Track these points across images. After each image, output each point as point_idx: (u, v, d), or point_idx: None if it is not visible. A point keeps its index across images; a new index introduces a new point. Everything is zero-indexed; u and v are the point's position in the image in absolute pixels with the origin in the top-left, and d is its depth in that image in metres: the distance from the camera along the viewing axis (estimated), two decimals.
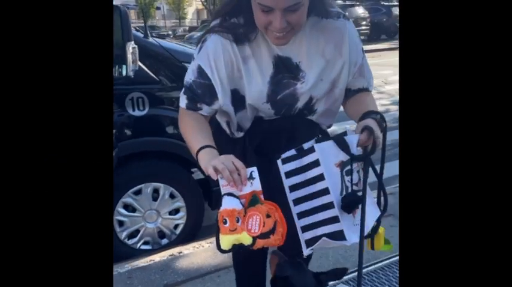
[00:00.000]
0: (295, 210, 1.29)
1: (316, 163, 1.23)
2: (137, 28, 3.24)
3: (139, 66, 2.29)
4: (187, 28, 33.44)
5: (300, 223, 1.30)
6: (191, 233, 2.66)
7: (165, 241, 2.61)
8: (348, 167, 1.25)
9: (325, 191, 1.24)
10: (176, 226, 2.62)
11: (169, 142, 2.46)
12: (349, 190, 1.26)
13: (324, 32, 1.32)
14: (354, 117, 1.36)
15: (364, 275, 2.19)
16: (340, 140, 1.24)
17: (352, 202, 1.23)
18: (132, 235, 2.54)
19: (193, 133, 1.31)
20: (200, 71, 1.30)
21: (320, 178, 1.24)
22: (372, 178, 1.28)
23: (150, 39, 2.66)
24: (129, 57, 2.07)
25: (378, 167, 1.30)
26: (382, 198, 1.36)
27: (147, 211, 2.53)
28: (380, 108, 1.40)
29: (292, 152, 1.29)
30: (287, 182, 1.29)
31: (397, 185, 2.62)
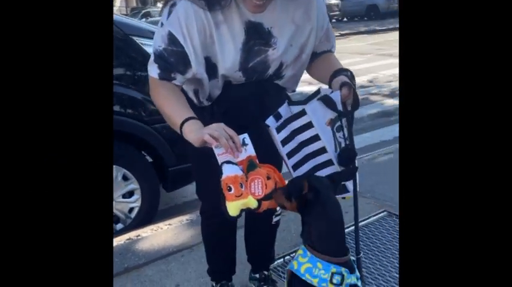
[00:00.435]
0: (295, 174, 1.30)
1: (309, 125, 1.25)
2: None
3: None
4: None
5: None
6: (147, 217, 2.54)
7: (120, 226, 2.48)
8: (338, 124, 1.27)
9: (322, 151, 1.26)
10: (131, 210, 2.49)
11: (120, 120, 2.32)
12: (342, 145, 1.28)
13: None
14: (322, 77, 1.38)
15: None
16: (327, 99, 1.25)
17: (350, 157, 1.25)
18: None
19: (172, 106, 1.26)
20: (171, 38, 1.23)
21: (316, 138, 1.25)
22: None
23: None
24: None
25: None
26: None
27: None
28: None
29: (281, 118, 1.29)
30: (284, 150, 1.28)
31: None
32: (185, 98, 1.31)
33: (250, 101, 1.37)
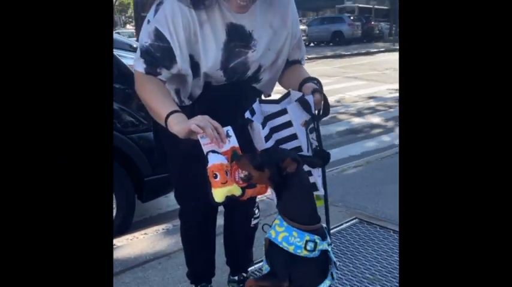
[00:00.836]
0: None
1: (288, 124, 1.31)
2: None
3: None
4: None
5: None
6: (122, 228, 2.53)
7: None
8: (311, 126, 1.34)
9: (298, 149, 1.32)
10: None
11: None
12: (313, 146, 1.35)
13: (272, 5, 1.39)
14: (291, 86, 1.45)
15: None
16: (304, 101, 1.32)
17: (323, 158, 1.31)
18: None
19: (158, 99, 1.30)
20: (158, 34, 1.29)
21: (293, 137, 1.32)
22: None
23: None
24: None
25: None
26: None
27: None
28: None
29: (264, 110, 1.34)
30: (267, 144, 1.33)
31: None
32: (170, 94, 1.36)
33: (229, 102, 1.43)
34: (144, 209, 3.01)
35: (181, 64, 1.31)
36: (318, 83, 1.39)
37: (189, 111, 1.45)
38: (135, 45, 3.26)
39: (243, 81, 1.44)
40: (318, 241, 1.17)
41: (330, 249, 1.21)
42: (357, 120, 5.76)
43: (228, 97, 1.44)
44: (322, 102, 1.35)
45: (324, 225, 1.28)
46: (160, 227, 2.50)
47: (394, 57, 15.02)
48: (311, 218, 1.21)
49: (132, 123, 2.51)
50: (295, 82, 1.41)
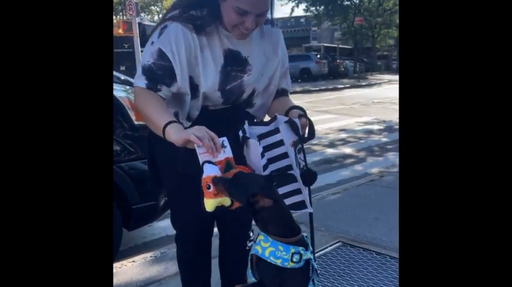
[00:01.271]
0: None
1: (280, 143, 1.38)
2: None
3: None
4: None
5: None
6: None
7: None
8: (299, 146, 1.44)
9: (289, 167, 1.40)
10: None
11: None
12: (301, 166, 1.44)
13: (264, 35, 1.54)
14: (279, 112, 1.54)
15: None
16: (292, 123, 1.42)
17: (312, 177, 1.40)
18: None
19: (157, 110, 1.38)
20: (161, 54, 1.39)
21: (284, 155, 1.39)
22: None
23: None
24: None
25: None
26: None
27: None
28: None
29: (254, 132, 1.43)
30: (262, 162, 1.39)
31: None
32: (168, 108, 1.43)
33: (225, 124, 1.52)
34: (128, 238, 3.00)
35: (181, 83, 1.41)
36: (303, 110, 1.51)
37: None
38: (122, 78, 3.32)
39: (238, 105, 1.55)
40: (302, 252, 1.23)
41: (312, 257, 1.27)
42: (330, 151, 5.96)
43: (224, 120, 1.53)
44: (308, 126, 1.46)
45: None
46: (148, 255, 2.51)
47: (360, 92, 15.66)
48: (292, 230, 1.26)
49: (121, 152, 2.55)
50: (282, 110, 1.52)
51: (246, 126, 1.44)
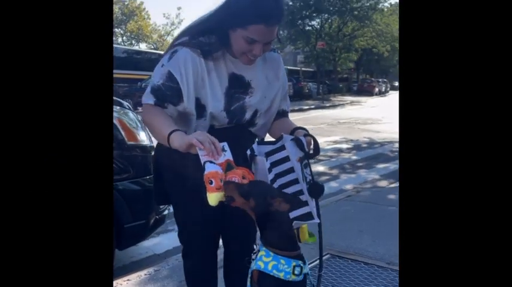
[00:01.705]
0: None
1: (286, 159, 1.49)
2: None
3: None
4: None
5: None
6: None
7: None
8: (305, 162, 1.55)
9: (295, 181, 1.50)
10: None
11: None
12: (307, 180, 1.55)
13: (266, 61, 1.67)
14: (282, 132, 1.65)
15: None
16: (298, 140, 1.53)
17: (319, 189, 1.50)
18: None
19: (162, 121, 1.48)
20: (170, 76, 1.50)
21: (290, 170, 1.49)
22: None
23: None
24: None
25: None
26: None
27: None
28: None
29: (267, 149, 1.53)
30: (269, 176, 1.48)
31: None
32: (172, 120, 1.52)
33: (229, 142, 1.63)
34: (116, 259, 2.97)
35: (187, 103, 1.51)
36: (306, 130, 1.63)
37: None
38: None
39: (241, 124, 1.65)
40: (302, 265, 1.31)
41: (309, 272, 1.37)
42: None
43: (228, 138, 1.63)
44: (312, 144, 1.59)
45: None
46: (142, 273, 2.51)
47: (325, 113, 16.11)
48: (294, 244, 1.35)
49: (116, 172, 2.57)
50: (286, 130, 1.64)
51: (254, 145, 1.55)
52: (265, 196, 1.32)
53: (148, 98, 1.52)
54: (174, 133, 1.41)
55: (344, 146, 8.38)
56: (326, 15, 29.60)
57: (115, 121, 2.62)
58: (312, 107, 18.41)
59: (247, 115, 1.64)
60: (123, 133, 2.60)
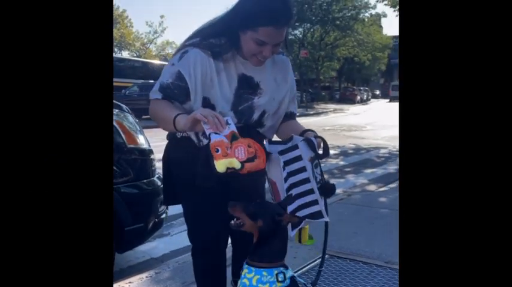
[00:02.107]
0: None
1: (299, 158, 1.54)
2: None
3: None
4: None
5: (289, 209, 1.56)
6: None
7: None
8: (316, 161, 1.60)
9: (306, 180, 1.54)
10: None
11: None
12: (318, 179, 1.60)
13: (275, 64, 1.72)
14: (290, 133, 1.70)
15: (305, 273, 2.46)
16: (309, 141, 1.58)
17: (331, 189, 1.56)
18: None
19: (167, 109, 1.53)
20: (179, 76, 1.55)
21: (303, 169, 1.54)
22: None
23: None
24: None
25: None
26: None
27: None
28: None
29: (279, 148, 1.57)
30: (283, 174, 1.53)
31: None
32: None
33: None
34: (121, 258, 2.96)
35: (194, 102, 1.56)
36: (315, 133, 1.68)
37: (205, 152, 1.65)
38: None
39: (250, 125, 1.69)
40: (284, 271, 1.37)
41: (294, 274, 1.41)
42: None
43: None
44: (322, 145, 1.64)
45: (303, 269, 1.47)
46: (143, 275, 2.51)
47: (309, 120, 16.26)
48: (284, 254, 1.41)
49: (117, 175, 2.57)
50: (295, 132, 1.68)
51: (266, 144, 1.59)
52: (273, 215, 1.37)
53: (156, 94, 1.56)
54: (179, 115, 1.46)
55: (331, 151, 8.44)
56: (308, 24, 29.99)
57: (115, 124, 2.63)
58: (296, 114, 18.54)
59: (255, 115, 1.68)
60: (123, 136, 2.61)
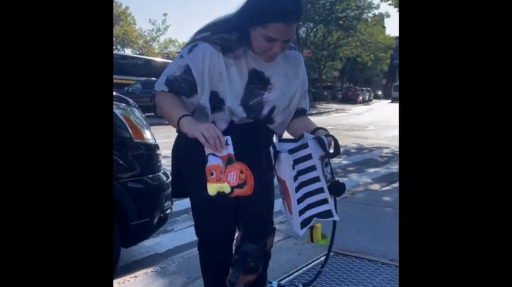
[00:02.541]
0: (296, 196, 1.54)
1: (309, 156, 1.53)
2: None
3: None
4: None
5: (298, 208, 1.56)
6: None
7: None
8: (326, 160, 1.59)
9: (316, 179, 1.54)
10: None
11: None
12: (328, 178, 1.59)
13: (287, 59, 1.71)
14: (302, 131, 1.71)
15: (305, 273, 2.46)
16: (320, 139, 1.57)
17: (341, 188, 1.55)
18: None
19: (173, 105, 1.55)
20: (187, 69, 1.55)
21: (312, 168, 1.53)
22: None
23: None
24: None
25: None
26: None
27: None
28: None
29: (289, 146, 1.57)
30: (292, 173, 1.52)
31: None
32: (184, 104, 1.58)
33: (247, 137, 1.67)
34: (126, 252, 2.97)
35: (200, 96, 1.56)
36: (327, 131, 1.67)
37: None
38: (114, 93, 3.38)
39: (260, 120, 1.69)
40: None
41: (281, 283, 1.43)
42: None
43: (247, 133, 1.67)
44: (333, 144, 1.63)
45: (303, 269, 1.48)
46: (148, 270, 2.51)
47: (312, 120, 16.19)
48: None
49: (121, 168, 2.57)
50: (306, 129, 1.68)
51: (276, 142, 1.59)
52: None
53: (162, 87, 1.57)
54: (184, 118, 1.48)
55: None
56: (312, 24, 29.99)
57: (122, 119, 2.63)
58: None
59: (265, 111, 1.67)
60: (130, 131, 2.61)
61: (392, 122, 13.87)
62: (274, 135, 1.73)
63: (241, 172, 1.42)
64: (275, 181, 1.70)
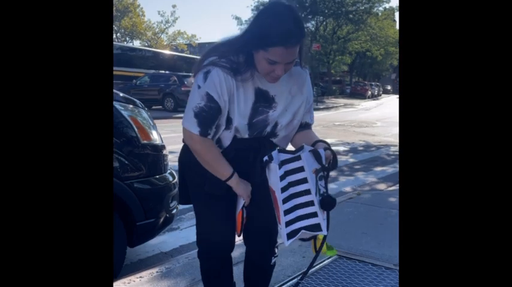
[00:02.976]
0: (283, 207, 1.57)
1: (301, 169, 1.55)
2: None
3: None
4: None
5: (285, 219, 1.57)
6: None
7: None
8: (321, 174, 1.59)
9: (307, 192, 1.55)
10: None
11: None
12: (321, 192, 1.59)
13: (292, 76, 1.72)
14: (304, 144, 1.72)
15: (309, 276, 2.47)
16: (316, 152, 1.58)
17: (331, 203, 1.55)
18: None
19: (218, 160, 1.63)
20: (209, 97, 1.57)
21: (304, 181, 1.55)
22: None
23: None
24: None
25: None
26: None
27: None
28: None
29: (281, 158, 1.58)
30: (280, 185, 1.54)
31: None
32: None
33: (250, 152, 1.70)
34: (132, 251, 3.00)
35: (222, 119, 1.60)
36: (328, 144, 1.69)
37: None
38: (121, 95, 3.39)
39: (262, 136, 1.71)
40: None
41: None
42: None
43: (249, 148, 1.71)
44: (331, 157, 1.64)
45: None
46: (154, 270, 2.54)
47: (319, 115, 16.21)
48: None
49: (127, 169, 2.60)
50: (308, 142, 1.69)
51: (274, 153, 1.59)
52: None
53: (191, 125, 1.59)
54: (233, 178, 1.64)
55: (341, 148, 8.46)
56: (321, 17, 29.77)
57: (130, 120, 2.65)
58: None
59: (268, 128, 1.70)
60: (137, 132, 2.63)
61: None
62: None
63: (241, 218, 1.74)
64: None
